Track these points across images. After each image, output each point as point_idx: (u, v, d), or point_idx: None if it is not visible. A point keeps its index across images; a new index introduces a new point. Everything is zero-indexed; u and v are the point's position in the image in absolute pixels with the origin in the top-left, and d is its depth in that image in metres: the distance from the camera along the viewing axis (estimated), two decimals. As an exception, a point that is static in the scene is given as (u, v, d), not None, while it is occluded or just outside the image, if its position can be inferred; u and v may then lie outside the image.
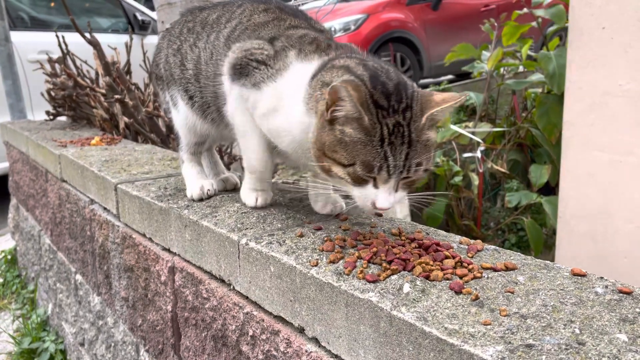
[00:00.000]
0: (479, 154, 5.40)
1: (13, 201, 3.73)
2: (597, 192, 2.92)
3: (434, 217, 5.54)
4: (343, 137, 0.95)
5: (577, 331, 0.71)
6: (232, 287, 1.20)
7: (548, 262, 0.97)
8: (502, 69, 6.05)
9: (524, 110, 5.98)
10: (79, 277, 2.32)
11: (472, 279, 0.89)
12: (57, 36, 3.14)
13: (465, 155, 5.70)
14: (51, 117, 3.42)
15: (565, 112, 3.18)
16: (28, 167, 3.04)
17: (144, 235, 1.60)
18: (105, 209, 1.89)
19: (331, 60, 1.09)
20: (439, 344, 0.72)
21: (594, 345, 0.68)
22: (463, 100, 0.98)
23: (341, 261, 0.98)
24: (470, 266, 0.94)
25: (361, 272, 0.92)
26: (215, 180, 1.54)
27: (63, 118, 3.55)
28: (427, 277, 0.89)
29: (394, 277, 0.90)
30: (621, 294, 0.82)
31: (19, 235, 3.66)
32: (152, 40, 5.96)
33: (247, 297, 1.15)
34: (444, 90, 6.88)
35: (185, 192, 1.50)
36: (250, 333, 1.13)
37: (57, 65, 3.30)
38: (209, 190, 1.46)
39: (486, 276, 0.91)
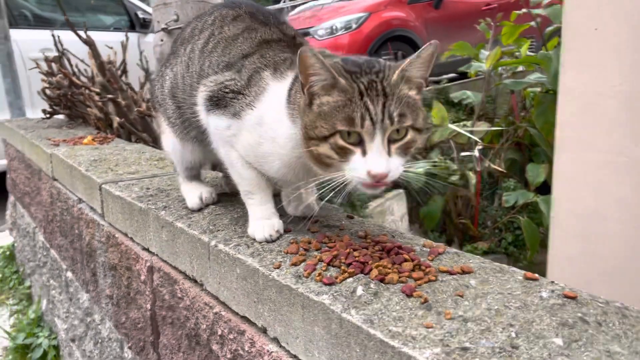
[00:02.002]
0: (476, 153, 5.41)
1: (11, 198, 3.77)
2: (589, 192, 2.93)
3: (431, 216, 5.56)
4: (321, 108, 0.96)
5: (514, 335, 0.74)
6: (203, 287, 1.23)
7: (504, 265, 0.99)
8: (500, 69, 6.05)
9: (522, 109, 5.98)
10: (69, 274, 2.36)
11: (426, 282, 0.92)
12: (53, 35, 3.17)
13: (464, 154, 5.71)
14: (48, 115, 3.46)
15: (558, 113, 3.19)
16: (24, 165, 3.08)
17: (126, 234, 1.64)
18: (91, 208, 1.93)
19: None
20: (382, 346, 0.75)
21: (526, 349, 0.70)
22: (432, 51, 0.96)
23: (303, 264, 1.00)
24: (428, 269, 0.97)
25: (319, 274, 0.95)
26: (224, 181, 1.50)
27: (61, 116, 3.60)
28: (382, 280, 0.92)
29: (350, 280, 0.93)
30: (566, 299, 0.84)
31: (16, 231, 3.71)
32: (152, 38, 5.99)
33: (216, 298, 1.18)
34: (442, 90, 6.89)
35: (166, 193, 1.53)
36: (219, 332, 1.16)
37: (53, 65, 3.33)
38: (206, 197, 1.40)
39: (441, 279, 0.93)
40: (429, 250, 1.07)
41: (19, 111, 4.23)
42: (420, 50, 0.97)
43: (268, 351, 1.00)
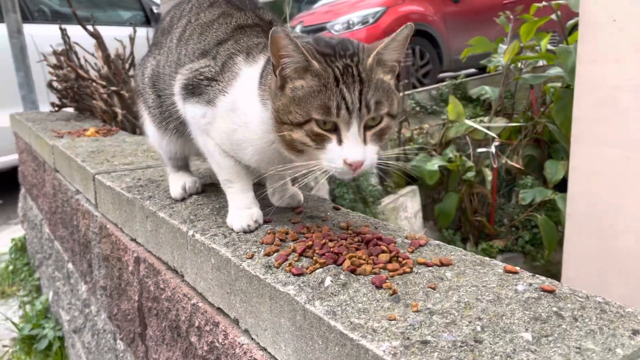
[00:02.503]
0: (493, 149, 5.32)
1: (22, 191, 3.82)
2: (606, 189, 2.85)
3: (446, 213, 5.49)
4: (295, 93, 0.93)
5: (479, 329, 0.69)
6: (183, 278, 1.21)
7: (486, 258, 0.95)
8: (519, 63, 5.93)
9: (542, 105, 5.86)
10: (70, 265, 2.37)
11: (400, 274, 0.88)
12: (60, 29, 3.19)
13: (479, 150, 5.62)
14: (56, 108, 3.48)
15: (574, 108, 3.11)
16: (31, 157, 3.10)
17: (116, 225, 1.62)
18: (87, 199, 1.92)
19: None
20: (341, 338, 0.72)
21: (490, 344, 0.66)
22: (405, 32, 0.93)
23: (275, 254, 0.97)
24: (405, 261, 0.93)
25: (290, 265, 0.91)
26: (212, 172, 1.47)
27: (71, 109, 3.62)
28: (353, 272, 0.88)
29: (320, 270, 0.89)
30: (543, 292, 0.80)
31: (26, 224, 3.75)
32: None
33: (194, 289, 1.16)
34: (460, 85, 6.79)
35: (157, 184, 1.51)
36: (196, 324, 1.13)
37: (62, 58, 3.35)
38: (190, 187, 1.38)
39: (416, 271, 0.89)
40: (410, 242, 1.03)
41: (31, 105, 4.27)
42: (396, 32, 0.93)
43: (239, 343, 0.97)
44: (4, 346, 3.05)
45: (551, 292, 0.80)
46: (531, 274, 0.87)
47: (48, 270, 3.03)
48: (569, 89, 4.53)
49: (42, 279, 3.37)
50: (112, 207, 1.62)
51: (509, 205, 5.78)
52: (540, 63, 6.03)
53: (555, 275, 4.20)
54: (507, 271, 0.88)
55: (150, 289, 1.39)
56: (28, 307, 3.30)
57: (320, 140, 0.93)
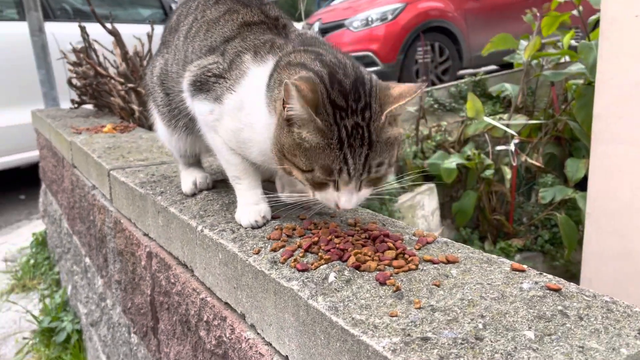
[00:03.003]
0: (512, 147, 5.26)
1: (43, 186, 3.88)
2: (626, 187, 2.81)
3: (464, 211, 5.44)
4: (301, 142, 0.93)
5: (481, 326, 0.69)
6: (193, 273, 1.22)
7: (493, 256, 0.94)
8: (541, 60, 5.85)
9: (564, 102, 5.77)
10: (87, 260, 2.40)
11: (405, 271, 0.88)
12: (79, 27, 3.23)
13: (498, 148, 5.56)
14: (76, 105, 3.53)
15: (595, 105, 3.06)
16: (51, 154, 3.15)
17: (130, 220, 1.64)
18: (102, 194, 1.95)
19: (287, 54, 1.05)
20: (342, 334, 0.72)
21: (491, 342, 0.66)
22: (420, 93, 0.95)
23: (281, 249, 0.98)
24: (410, 258, 0.92)
25: (295, 260, 0.92)
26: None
27: (90, 106, 3.67)
28: (358, 268, 0.88)
29: (324, 266, 0.89)
30: (548, 291, 0.79)
31: (47, 218, 3.82)
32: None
33: (203, 283, 1.17)
34: (479, 82, 6.72)
35: (170, 180, 1.53)
36: (205, 319, 1.14)
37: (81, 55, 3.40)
38: (200, 183, 1.39)
39: (422, 268, 0.89)
40: (417, 239, 1.03)
41: (52, 101, 4.34)
42: (413, 90, 0.94)
43: (246, 338, 0.98)
44: (24, 338, 3.12)
45: (557, 290, 0.79)
46: (538, 272, 0.86)
47: (67, 264, 3.08)
48: (590, 85, 4.45)
49: (61, 272, 3.43)
50: (126, 202, 1.65)
51: (528, 204, 5.72)
52: (564, 60, 5.95)
53: (575, 275, 4.14)
54: (514, 269, 0.87)
55: (162, 284, 1.40)
56: (48, 300, 3.37)
57: (318, 185, 0.97)
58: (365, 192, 0.98)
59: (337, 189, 0.95)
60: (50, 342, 2.96)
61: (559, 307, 0.74)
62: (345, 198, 0.95)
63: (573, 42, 5.54)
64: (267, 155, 1.06)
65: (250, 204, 1.14)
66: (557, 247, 5.23)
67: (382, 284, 0.83)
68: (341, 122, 0.91)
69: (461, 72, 8.28)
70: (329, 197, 0.97)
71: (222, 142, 1.14)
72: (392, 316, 0.73)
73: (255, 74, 1.06)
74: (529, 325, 0.70)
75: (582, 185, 4.71)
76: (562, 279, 0.83)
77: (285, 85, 0.89)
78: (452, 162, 5.18)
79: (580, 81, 5.17)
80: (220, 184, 1.44)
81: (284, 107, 0.93)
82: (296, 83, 0.88)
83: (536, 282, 0.81)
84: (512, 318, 0.71)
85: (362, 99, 0.93)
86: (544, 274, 0.86)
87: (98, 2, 6.45)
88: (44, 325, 3.01)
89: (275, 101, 1.00)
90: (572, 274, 5.05)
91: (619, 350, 0.64)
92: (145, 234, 1.52)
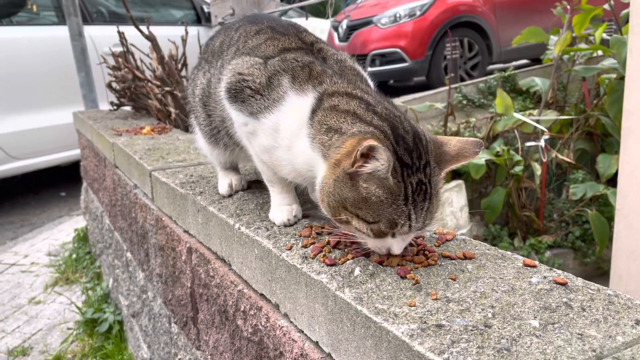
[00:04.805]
0: (542, 143, 5.24)
1: (84, 184, 4.07)
2: (656, 184, 2.81)
3: (493, 207, 5.43)
4: (369, 195, 0.93)
5: (490, 315, 0.77)
6: (230, 266, 1.33)
7: (507, 252, 1.02)
8: (573, 54, 5.79)
9: (595, 97, 5.72)
10: (129, 254, 2.55)
11: (425, 267, 0.96)
12: (118, 32, 3.39)
13: (528, 144, 5.55)
14: (115, 107, 3.70)
15: (625, 101, 3.06)
16: (93, 154, 3.32)
17: (170, 217, 1.76)
18: (144, 193, 2.08)
19: (330, 95, 1.06)
20: (366, 321, 0.81)
21: (499, 329, 0.74)
22: (479, 153, 0.98)
23: (311, 246, 1.07)
24: (430, 254, 1.01)
25: (324, 256, 1.01)
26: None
27: (128, 108, 3.84)
28: (381, 263, 0.97)
29: (351, 261, 0.98)
30: (555, 284, 0.86)
31: (88, 215, 4.01)
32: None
33: (240, 276, 1.27)
34: (509, 77, 6.67)
35: (207, 180, 1.64)
36: (242, 309, 1.25)
37: (120, 60, 3.55)
38: (236, 185, 1.48)
39: (440, 264, 0.97)
40: (437, 236, 1.11)
41: (92, 103, 4.53)
42: (474, 148, 0.98)
43: (280, 326, 1.07)
44: (69, 328, 3.30)
45: (564, 284, 0.86)
46: (548, 267, 0.94)
47: (108, 259, 3.25)
48: (623, 80, 4.42)
49: (102, 266, 3.60)
50: (167, 201, 1.76)
51: (558, 200, 5.69)
52: (596, 54, 5.88)
53: (607, 272, 4.12)
54: (525, 265, 0.95)
55: (201, 277, 1.52)
56: (90, 292, 3.55)
57: (379, 235, 0.97)
58: (412, 235, 1.00)
59: (393, 236, 0.97)
60: (93, 332, 3.13)
61: (564, 299, 0.82)
62: (398, 246, 0.97)
63: (605, 35, 5.48)
64: (301, 176, 1.12)
65: (283, 205, 1.24)
66: (589, 243, 5.20)
67: (403, 277, 0.92)
68: (408, 179, 0.93)
69: (491, 67, 8.24)
70: (383, 244, 0.97)
71: (255, 153, 1.23)
72: (411, 306, 0.81)
73: (295, 103, 1.09)
74: (534, 315, 0.77)
75: (614, 181, 4.68)
76: (570, 274, 0.90)
77: (372, 147, 0.88)
78: (481, 158, 5.19)
79: (613, 75, 5.12)
80: (254, 185, 1.54)
81: (353, 164, 0.93)
82: (376, 146, 0.88)
83: (545, 277, 0.89)
84: (519, 308, 0.79)
85: (424, 157, 0.97)
86: (554, 269, 0.93)
87: (130, 4, 6.65)
88: (87, 316, 3.18)
89: (328, 148, 1.00)
90: (604, 271, 5.01)
91: (615, 337, 0.72)
92: (186, 231, 1.64)
